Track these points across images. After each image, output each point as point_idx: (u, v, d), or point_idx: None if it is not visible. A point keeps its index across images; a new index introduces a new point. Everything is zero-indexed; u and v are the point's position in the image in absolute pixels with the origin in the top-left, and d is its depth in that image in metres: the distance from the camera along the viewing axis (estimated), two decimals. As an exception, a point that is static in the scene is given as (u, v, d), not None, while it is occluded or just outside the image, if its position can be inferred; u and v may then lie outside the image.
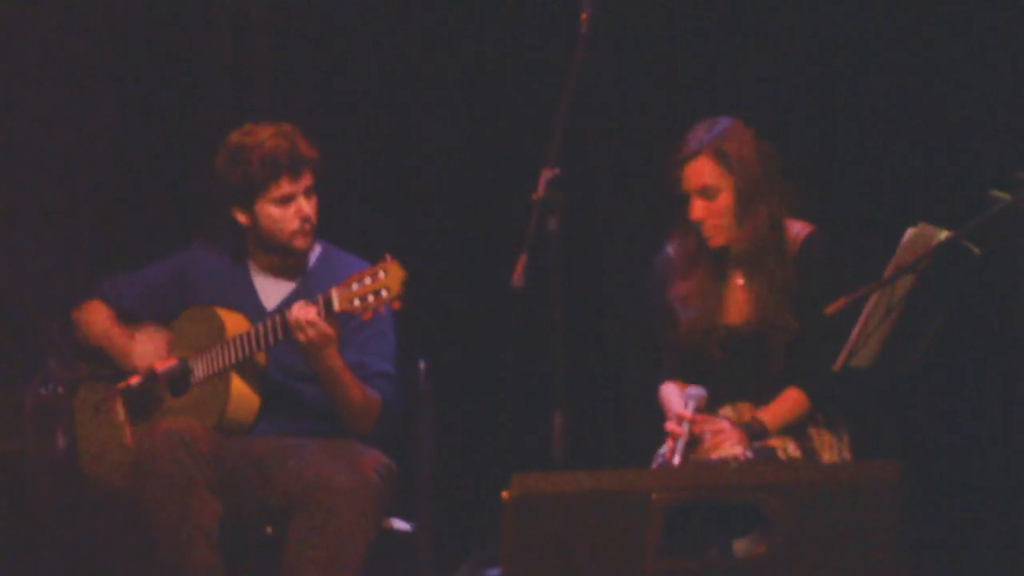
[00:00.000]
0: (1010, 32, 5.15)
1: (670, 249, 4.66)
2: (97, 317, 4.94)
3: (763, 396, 4.52)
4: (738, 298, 4.58)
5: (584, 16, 4.19)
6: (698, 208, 4.50)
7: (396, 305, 4.52)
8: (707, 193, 4.50)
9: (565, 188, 4.07)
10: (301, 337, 4.58)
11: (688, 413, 4.42)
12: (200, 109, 5.83)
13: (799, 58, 5.39)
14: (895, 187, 5.27)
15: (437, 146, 5.78)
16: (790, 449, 4.44)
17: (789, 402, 4.49)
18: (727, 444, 4.42)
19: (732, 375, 4.55)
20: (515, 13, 5.68)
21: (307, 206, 4.79)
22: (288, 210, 4.78)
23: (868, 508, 3.55)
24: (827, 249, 4.56)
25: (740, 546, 3.92)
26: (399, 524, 4.83)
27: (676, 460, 4.35)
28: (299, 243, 4.82)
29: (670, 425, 4.44)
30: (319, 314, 4.57)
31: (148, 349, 4.84)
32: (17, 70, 5.81)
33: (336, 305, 4.55)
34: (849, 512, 3.56)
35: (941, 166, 5.21)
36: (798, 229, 4.57)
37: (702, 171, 4.50)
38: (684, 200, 4.54)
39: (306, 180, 4.79)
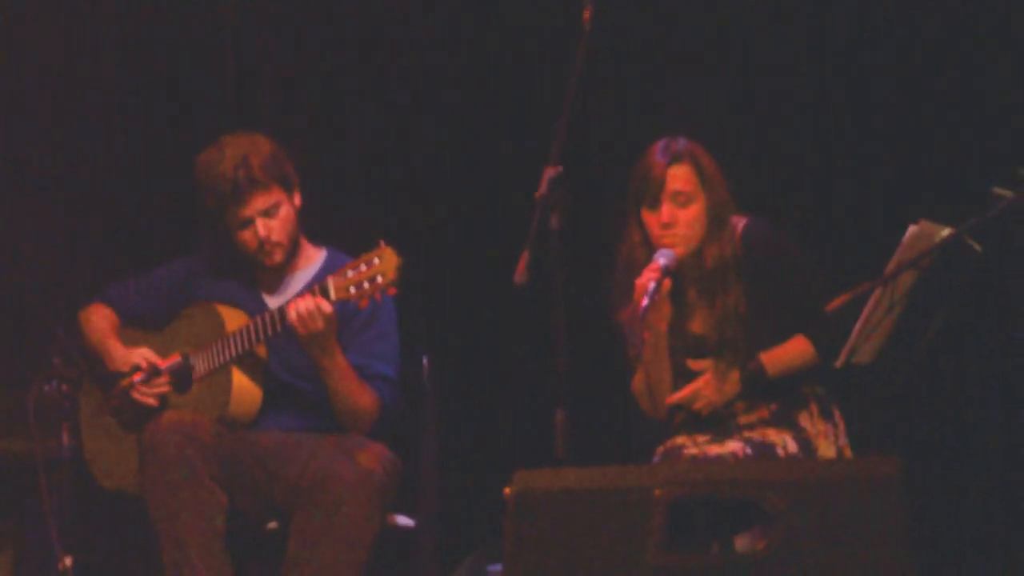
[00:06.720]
0: (1012, 29, 5.15)
1: (619, 264, 4.61)
2: (96, 321, 4.95)
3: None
4: (696, 312, 4.57)
5: (586, 13, 4.20)
6: (668, 212, 4.47)
7: (392, 291, 4.50)
8: (681, 199, 4.47)
9: (567, 186, 4.08)
10: (302, 330, 4.57)
11: (659, 264, 4.39)
12: (205, 111, 5.84)
13: (801, 54, 5.39)
14: (897, 184, 5.27)
15: (440, 144, 5.79)
16: (789, 446, 4.45)
17: (792, 348, 4.49)
18: (703, 399, 4.46)
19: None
20: (518, 10, 5.68)
21: (265, 227, 4.74)
22: (246, 233, 4.76)
23: (869, 505, 3.55)
24: (770, 232, 4.55)
25: (742, 542, 3.93)
26: (402, 520, 4.83)
27: (644, 302, 4.32)
28: (267, 261, 4.81)
29: (641, 280, 4.40)
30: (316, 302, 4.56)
31: (134, 358, 4.85)
32: (21, 72, 5.82)
33: (332, 294, 4.54)
34: (850, 509, 3.56)
35: (943, 163, 5.21)
36: (733, 222, 4.55)
37: (683, 176, 4.47)
38: (642, 205, 4.51)
39: (260, 202, 4.73)
